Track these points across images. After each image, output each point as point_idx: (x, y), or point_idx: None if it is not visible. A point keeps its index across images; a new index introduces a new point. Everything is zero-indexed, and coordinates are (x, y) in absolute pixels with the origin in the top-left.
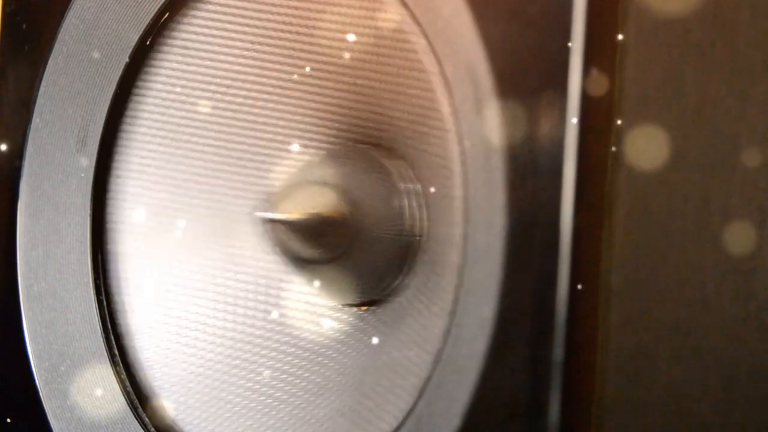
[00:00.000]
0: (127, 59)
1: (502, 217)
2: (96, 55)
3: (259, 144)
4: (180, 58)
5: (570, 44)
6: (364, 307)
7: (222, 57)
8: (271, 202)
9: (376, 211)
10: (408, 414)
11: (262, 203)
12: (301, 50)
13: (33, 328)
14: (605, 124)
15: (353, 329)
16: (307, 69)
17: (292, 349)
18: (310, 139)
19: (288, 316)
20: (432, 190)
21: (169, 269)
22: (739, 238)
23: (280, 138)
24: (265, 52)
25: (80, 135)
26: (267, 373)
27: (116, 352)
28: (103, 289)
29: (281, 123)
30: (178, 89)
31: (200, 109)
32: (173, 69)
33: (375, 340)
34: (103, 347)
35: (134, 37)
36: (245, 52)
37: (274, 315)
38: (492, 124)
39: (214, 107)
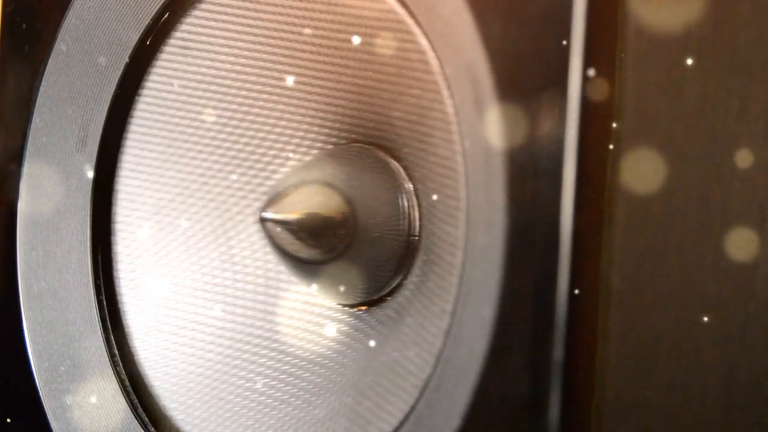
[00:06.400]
0: (127, 59)
1: (502, 218)
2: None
3: (259, 144)
4: (180, 58)
5: (570, 44)
6: (364, 307)
7: (222, 57)
8: (271, 202)
9: (376, 211)
10: (408, 414)
11: (262, 203)
12: (302, 50)
13: (33, 328)
14: (605, 124)
15: (353, 329)
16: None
17: (292, 349)
18: (311, 139)
19: (287, 316)
20: (432, 190)
21: (169, 269)
22: (739, 238)
23: (280, 138)
24: (265, 52)
25: (80, 135)
26: (267, 372)
27: (116, 352)
28: (103, 289)
29: (281, 123)
30: (178, 89)
31: (200, 109)
32: (173, 69)
33: (372, 343)
34: (103, 347)
35: (134, 37)
36: (245, 52)
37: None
38: (492, 124)
39: (214, 107)
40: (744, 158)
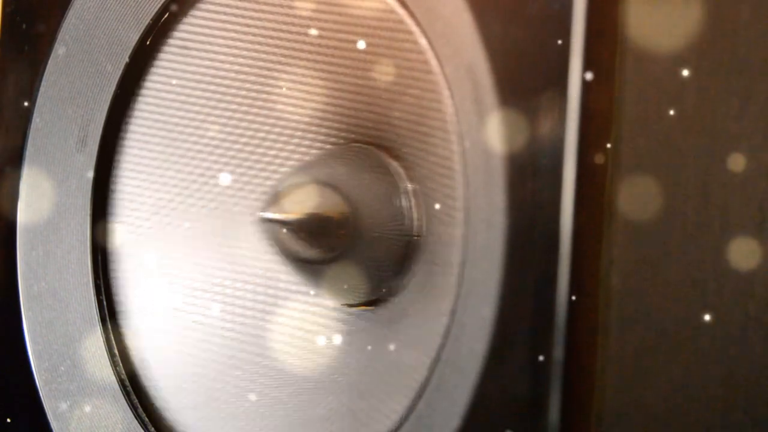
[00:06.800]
0: (127, 59)
1: (502, 218)
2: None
3: (259, 144)
4: (180, 58)
5: (568, 44)
6: (364, 307)
7: (222, 57)
8: (271, 202)
9: (376, 211)
10: (408, 414)
11: (262, 203)
12: (301, 50)
13: (33, 328)
14: (605, 124)
15: (353, 329)
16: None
17: (292, 349)
18: (311, 139)
19: (287, 316)
20: (432, 190)
21: (169, 269)
22: (738, 238)
23: (279, 138)
24: (265, 52)
25: (80, 135)
26: (266, 372)
27: (116, 352)
28: (103, 289)
29: (281, 123)
30: (178, 89)
31: (200, 109)
32: (173, 69)
33: (369, 347)
34: (103, 347)
35: (134, 37)
36: (245, 52)
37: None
38: (492, 124)
39: (214, 107)
40: (744, 158)
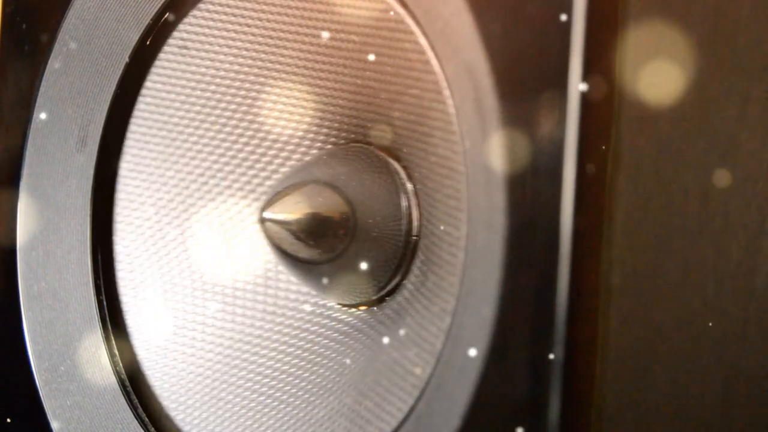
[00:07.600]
0: (127, 59)
1: (503, 217)
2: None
3: (258, 144)
4: (180, 58)
5: (570, 44)
6: (364, 307)
7: (222, 57)
8: (271, 202)
9: (376, 211)
10: (408, 414)
11: (262, 203)
12: (301, 50)
13: (33, 328)
14: (605, 124)
15: (353, 329)
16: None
17: (292, 349)
18: (311, 139)
19: (287, 316)
20: (432, 190)
21: (169, 269)
22: (738, 237)
23: (280, 138)
24: (264, 52)
25: (80, 135)
26: (266, 372)
27: (116, 352)
28: (103, 289)
29: (281, 123)
30: (178, 89)
31: (200, 109)
32: (173, 69)
33: (386, 340)
34: (103, 347)
35: (134, 37)
36: (245, 52)
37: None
38: (492, 124)
39: (214, 107)
40: (744, 158)
